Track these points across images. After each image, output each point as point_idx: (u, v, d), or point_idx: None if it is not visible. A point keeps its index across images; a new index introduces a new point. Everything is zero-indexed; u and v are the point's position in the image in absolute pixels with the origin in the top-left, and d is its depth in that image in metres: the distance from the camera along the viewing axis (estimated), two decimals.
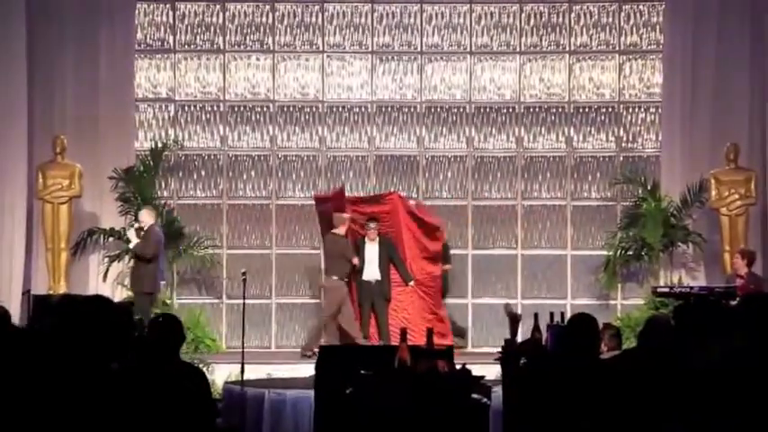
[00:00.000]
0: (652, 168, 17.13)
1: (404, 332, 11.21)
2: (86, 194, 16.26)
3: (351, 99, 17.46)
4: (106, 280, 15.83)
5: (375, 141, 17.43)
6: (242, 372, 12.58)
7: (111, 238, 16.24)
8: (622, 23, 17.39)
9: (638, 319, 14.64)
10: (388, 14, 17.51)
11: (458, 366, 8.31)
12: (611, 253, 16.57)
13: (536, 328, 9.15)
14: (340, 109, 17.48)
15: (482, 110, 17.45)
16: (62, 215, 15.92)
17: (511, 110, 17.44)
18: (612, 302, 16.54)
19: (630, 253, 16.31)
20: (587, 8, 17.47)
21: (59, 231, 15.91)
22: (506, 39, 17.46)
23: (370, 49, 17.43)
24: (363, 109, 17.46)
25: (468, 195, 17.29)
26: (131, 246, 15.14)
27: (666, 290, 15.16)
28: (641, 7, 17.44)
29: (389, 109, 17.51)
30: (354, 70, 17.58)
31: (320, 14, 17.50)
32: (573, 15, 17.47)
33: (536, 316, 9.06)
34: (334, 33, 17.55)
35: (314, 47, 17.47)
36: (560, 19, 17.44)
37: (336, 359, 9.42)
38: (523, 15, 17.42)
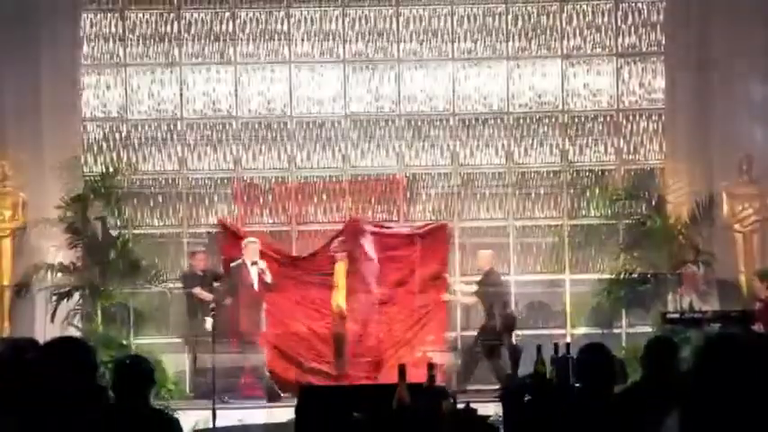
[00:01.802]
0: (657, 182, 17.00)
1: (402, 369, 10.52)
2: (31, 226, 15.98)
3: (322, 113, 17.21)
4: (54, 320, 15.39)
5: (350, 159, 17.23)
6: (213, 418, 12.48)
7: (59, 274, 15.88)
8: (619, 23, 17.21)
9: None
10: (360, 18, 17.32)
11: (460, 405, 7.82)
12: (613, 276, 16.27)
13: (539, 361, 8.46)
14: (310, 125, 17.23)
15: (467, 122, 17.25)
16: (4, 249, 15.94)
17: (499, 121, 17.22)
18: (617, 331, 16.21)
19: (635, 276, 16.01)
20: (580, 8, 17.31)
21: (1, 268, 15.91)
22: (492, 43, 17.23)
23: (341, 57, 17.19)
24: (336, 124, 17.25)
25: (455, 216, 16.93)
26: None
27: (677, 316, 14.83)
28: (639, 5, 17.32)
29: (364, 123, 17.36)
30: (325, 81, 17.31)
31: (286, 21, 17.28)
32: (565, 16, 17.27)
33: (539, 348, 8.48)
34: (302, 42, 17.27)
35: (280, 57, 17.27)
36: (551, 21, 17.22)
37: (320, 401, 8.73)
38: (510, 17, 17.20)
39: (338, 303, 16.37)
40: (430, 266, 16.80)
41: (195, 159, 17.16)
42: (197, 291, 15.74)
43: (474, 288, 16.41)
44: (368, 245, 16.73)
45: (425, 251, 16.90)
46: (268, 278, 15.58)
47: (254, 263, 15.48)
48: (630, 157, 17.17)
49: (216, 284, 16.08)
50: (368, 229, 16.88)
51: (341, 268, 16.48)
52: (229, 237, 16.75)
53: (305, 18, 17.24)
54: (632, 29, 17.30)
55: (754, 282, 15.15)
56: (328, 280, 16.68)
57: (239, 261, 15.78)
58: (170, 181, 17.14)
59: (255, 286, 15.48)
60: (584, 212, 17.17)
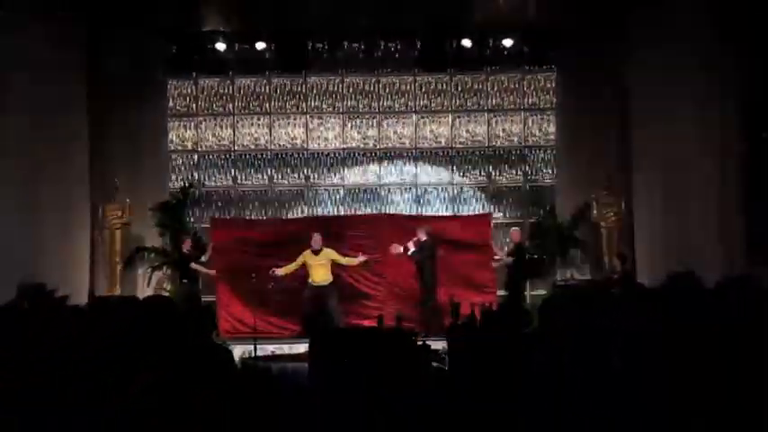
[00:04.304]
0: (550, 195, 17.07)
1: (380, 318, 11.29)
2: (134, 222, 16.17)
3: (328, 147, 17.30)
4: (150, 285, 15.75)
5: (346, 178, 17.35)
6: (255, 349, 12.65)
7: (153, 254, 16.12)
8: (525, 89, 17.31)
9: None
10: (353, 84, 17.32)
11: (420, 343, 8.43)
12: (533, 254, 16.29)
13: (472, 313, 9.87)
14: (320, 155, 17.31)
15: (424, 153, 17.34)
16: (117, 238, 15.93)
17: (445, 153, 17.35)
18: (524, 294, 16.02)
19: (536, 257, 16.16)
20: (499, 77, 17.29)
21: (115, 250, 15.90)
22: (441, 101, 17.27)
23: (341, 110, 17.31)
24: (337, 154, 17.36)
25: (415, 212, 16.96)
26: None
27: (563, 283, 15.39)
28: (538, 77, 17.27)
29: (356, 154, 17.39)
30: (330, 126, 17.36)
31: (303, 85, 17.27)
32: (489, 84, 17.31)
33: (472, 305, 9.82)
34: (314, 99, 17.28)
35: (299, 109, 17.25)
36: (481, 86, 17.32)
37: (327, 339, 8.85)
38: (453, 83, 17.28)
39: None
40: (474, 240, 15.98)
41: (243, 178, 17.18)
42: (194, 265, 15.33)
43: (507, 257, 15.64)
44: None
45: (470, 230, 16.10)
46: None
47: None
48: (533, 177, 17.23)
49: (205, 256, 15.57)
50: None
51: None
52: (222, 229, 16.16)
53: (316, 83, 17.19)
54: (534, 92, 17.28)
55: (613, 260, 15.25)
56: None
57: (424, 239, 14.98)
58: (226, 192, 17.21)
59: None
60: (501, 215, 17.10)
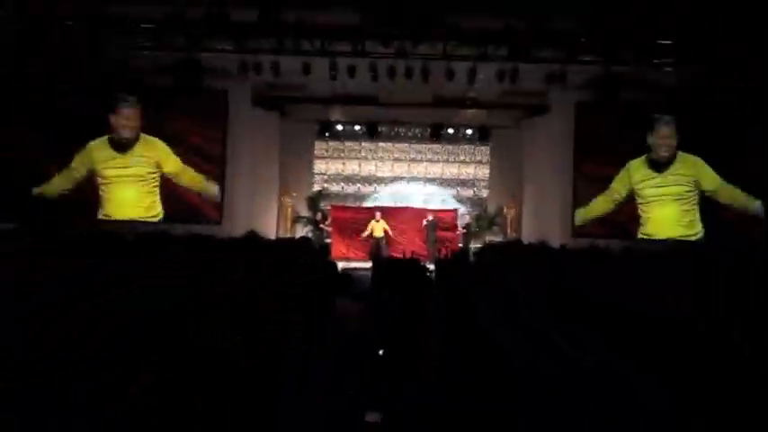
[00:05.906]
0: (485, 201, 21.83)
1: (413, 253, 16.15)
2: (296, 204, 21.12)
3: (385, 175, 21.66)
4: (302, 233, 19.66)
5: (392, 189, 21.36)
6: (347, 266, 14.79)
7: (304, 220, 20.87)
8: (477, 153, 21.81)
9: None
10: (396, 148, 21.66)
11: (422, 264, 9.01)
12: (476, 228, 20.67)
13: (447, 253, 12.65)
14: (381, 178, 21.70)
15: (428, 180, 21.63)
16: (288, 211, 20.88)
17: (438, 181, 21.59)
18: (471, 246, 19.04)
19: (477, 230, 20.74)
20: (464, 147, 21.64)
21: (287, 217, 20.78)
22: (438, 158, 21.82)
23: (391, 158, 21.70)
24: (389, 179, 21.59)
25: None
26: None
27: (488, 242, 18.68)
28: (483, 148, 21.69)
29: (398, 179, 21.40)
30: (386, 166, 21.78)
31: (375, 146, 21.97)
32: (459, 150, 21.71)
33: (446, 250, 13.86)
34: (380, 152, 21.90)
35: (372, 157, 21.82)
36: (454, 151, 21.71)
37: (380, 263, 9.76)
38: (443, 150, 21.56)
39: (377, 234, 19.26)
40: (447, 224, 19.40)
41: (347, 188, 21.84)
42: (322, 226, 19.57)
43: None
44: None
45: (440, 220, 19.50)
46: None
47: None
48: (478, 193, 21.96)
49: (327, 222, 19.52)
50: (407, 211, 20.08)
51: (378, 225, 19.47)
52: (336, 210, 20.11)
53: (380, 146, 21.87)
54: (481, 154, 21.47)
55: (512, 233, 19.50)
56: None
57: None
58: (338, 193, 21.83)
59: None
60: (464, 210, 21.53)
